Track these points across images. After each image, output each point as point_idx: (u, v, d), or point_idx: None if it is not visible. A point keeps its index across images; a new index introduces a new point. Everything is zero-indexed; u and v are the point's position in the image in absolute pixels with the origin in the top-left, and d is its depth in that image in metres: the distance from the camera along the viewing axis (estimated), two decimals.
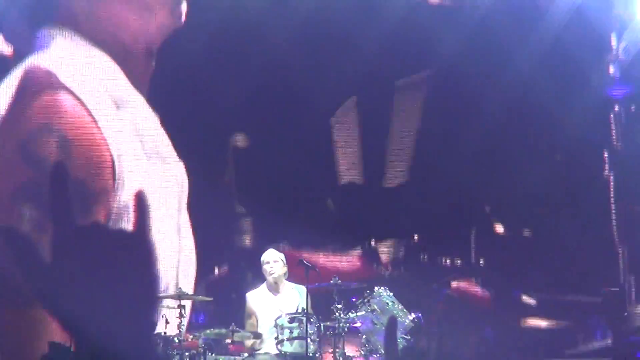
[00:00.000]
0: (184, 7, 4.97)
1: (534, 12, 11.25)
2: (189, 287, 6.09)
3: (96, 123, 4.66)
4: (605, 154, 11.45)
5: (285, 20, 11.88)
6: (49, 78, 4.74)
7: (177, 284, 5.40)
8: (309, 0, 11.85)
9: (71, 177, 4.41)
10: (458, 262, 12.12)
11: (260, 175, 12.53)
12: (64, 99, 4.68)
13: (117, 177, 4.62)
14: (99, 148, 4.69)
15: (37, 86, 4.79)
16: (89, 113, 4.66)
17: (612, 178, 11.43)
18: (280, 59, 12.22)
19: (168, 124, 8.78)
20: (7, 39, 6.67)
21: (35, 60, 5.11)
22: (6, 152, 4.71)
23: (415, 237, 12.35)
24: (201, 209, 10.18)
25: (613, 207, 11.37)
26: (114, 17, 4.76)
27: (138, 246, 2.69)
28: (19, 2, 6.27)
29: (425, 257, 12.14)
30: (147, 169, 4.90)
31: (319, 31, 12.18)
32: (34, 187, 4.51)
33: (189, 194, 9.44)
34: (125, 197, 4.57)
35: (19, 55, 7.72)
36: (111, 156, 4.68)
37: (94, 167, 4.64)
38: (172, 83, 9.90)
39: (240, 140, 12.99)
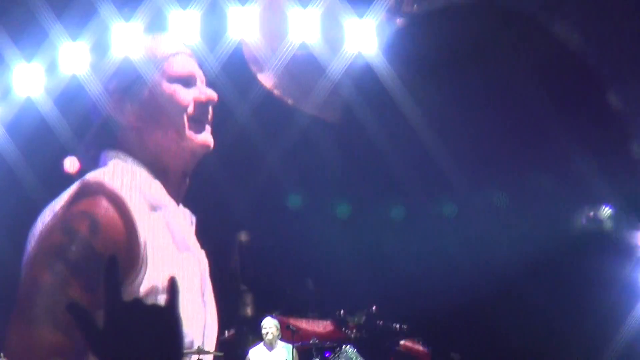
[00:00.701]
0: (211, 138, 5.19)
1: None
2: (212, 346, 6.29)
3: (130, 215, 4.68)
4: None
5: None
6: (96, 186, 4.82)
7: (202, 343, 5.64)
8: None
9: (102, 255, 4.57)
10: (405, 326, 12.27)
11: (258, 262, 12.82)
12: (104, 196, 4.73)
13: (141, 260, 4.64)
14: (129, 234, 4.71)
15: (85, 191, 4.86)
16: (125, 207, 4.68)
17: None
18: (274, 176, 12.54)
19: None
20: (79, 159, 6.90)
21: (89, 175, 5.22)
22: (50, 235, 4.78)
23: (374, 308, 12.55)
24: (214, 287, 10.42)
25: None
26: (159, 144, 4.89)
27: (169, 316, 2.77)
28: (89, 130, 6.43)
29: (381, 323, 12.31)
30: (175, 256, 5.00)
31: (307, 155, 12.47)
32: (65, 252, 4.57)
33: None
34: (150, 278, 4.60)
35: (83, 173, 8.01)
36: (139, 243, 4.72)
37: (121, 249, 4.67)
38: (195, 192, 10.20)
39: (243, 236, 13.27)
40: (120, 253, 4.44)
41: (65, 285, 4.12)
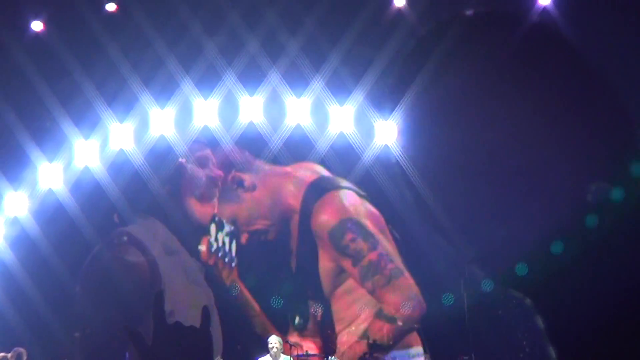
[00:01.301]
0: (217, 200, 5.51)
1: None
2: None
3: (153, 258, 4.70)
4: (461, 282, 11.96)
5: None
6: (127, 237, 4.91)
7: None
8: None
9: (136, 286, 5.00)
10: (376, 341, 12.67)
11: (264, 296, 13.24)
12: (133, 245, 4.79)
13: (161, 288, 4.59)
14: (152, 271, 4.71)
15: (118, 242, 4.91)
16: (149, 252, 4.74)
17: (465, 296, 11.92)
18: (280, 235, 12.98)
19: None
20: (120, 215, 7.33)
21: (123, 229, 5.26)
22: (97, 272, 4.81)
23: (353, 327, 13.01)
24: (229, 313, 10.93)
25: (466, 312, 11.87)
26: (178, 208, 5.14)
27: (203, 333, 2.79)
28: (129, 193, 6.74)
29: (356, 339, 12.76)
30: (187, 287, 5.11)
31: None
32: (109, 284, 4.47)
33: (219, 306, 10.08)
34: (169, 303, 4.63)
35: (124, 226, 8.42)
36: (160, 277, 4.75)
37: (146, 282, 4.65)
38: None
39: (252, 277, 13.68)
40: (146, 285, 4.89)
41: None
